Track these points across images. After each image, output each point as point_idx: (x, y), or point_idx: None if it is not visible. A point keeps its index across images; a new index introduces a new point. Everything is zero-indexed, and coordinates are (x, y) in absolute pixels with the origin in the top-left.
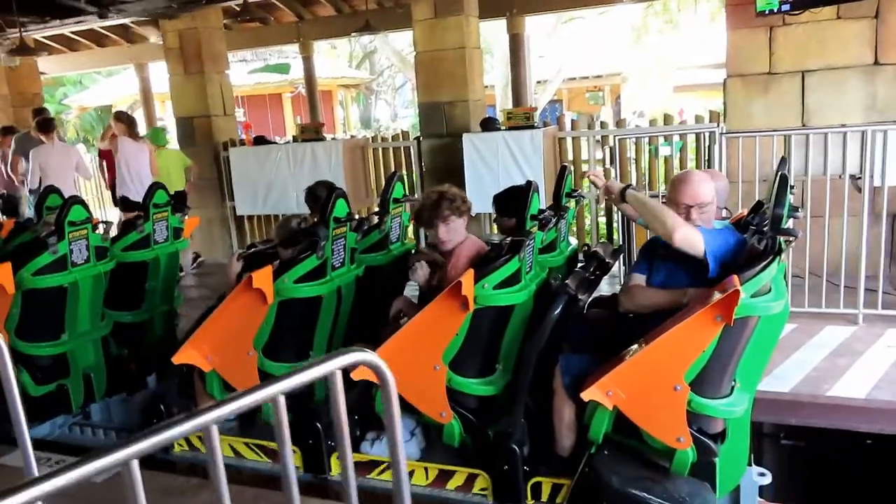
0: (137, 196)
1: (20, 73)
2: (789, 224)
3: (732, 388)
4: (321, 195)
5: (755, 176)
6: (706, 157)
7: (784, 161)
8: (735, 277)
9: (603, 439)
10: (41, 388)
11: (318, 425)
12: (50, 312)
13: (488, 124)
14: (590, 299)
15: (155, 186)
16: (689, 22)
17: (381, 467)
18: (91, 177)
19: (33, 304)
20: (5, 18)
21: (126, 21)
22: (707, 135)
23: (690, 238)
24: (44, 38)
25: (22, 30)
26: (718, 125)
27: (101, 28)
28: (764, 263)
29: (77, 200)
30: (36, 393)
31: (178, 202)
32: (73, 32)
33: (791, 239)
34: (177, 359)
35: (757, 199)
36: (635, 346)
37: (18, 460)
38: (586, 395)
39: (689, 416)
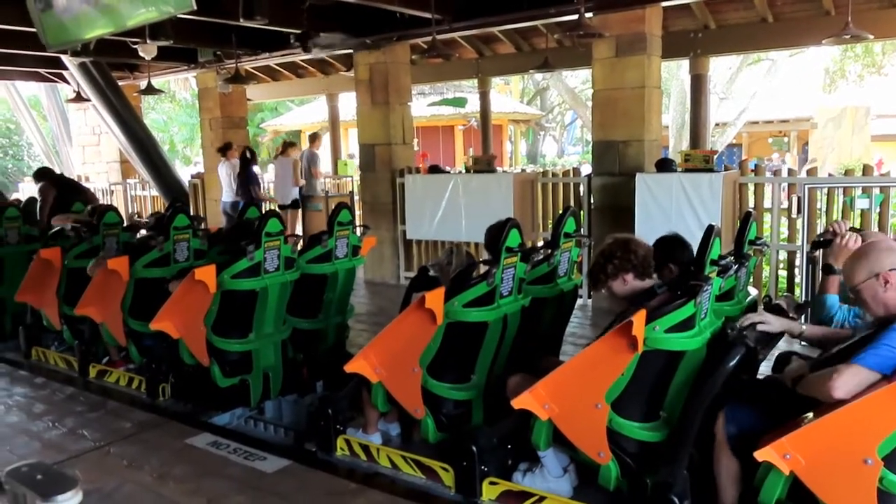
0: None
1: (231, 98)
2: None
3: None
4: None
5: None
6: None
7: None
8: None
9: None
10: (227, 380)
11: (474, 448)
12: (241, 313)
13: (664, 165)
14: (769, 355)
15: (340, 206)
16: (894, 66)
17: (533, 499)
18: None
19: (229, 303)
20: (225, 50)
21: (323, 55)
22: None
23: (852, 383)
24: (253, 68)
25: (238, 61)
26: None
27: (301, 60)
28: None
29: (274, 214)
30: (223, 384)
31: None
32: (276, 64)
33: None
34: (349, 367)
35: None
36: (811, 414)
37: (204, 442)
38: (761, 455)
39: (880, 495)
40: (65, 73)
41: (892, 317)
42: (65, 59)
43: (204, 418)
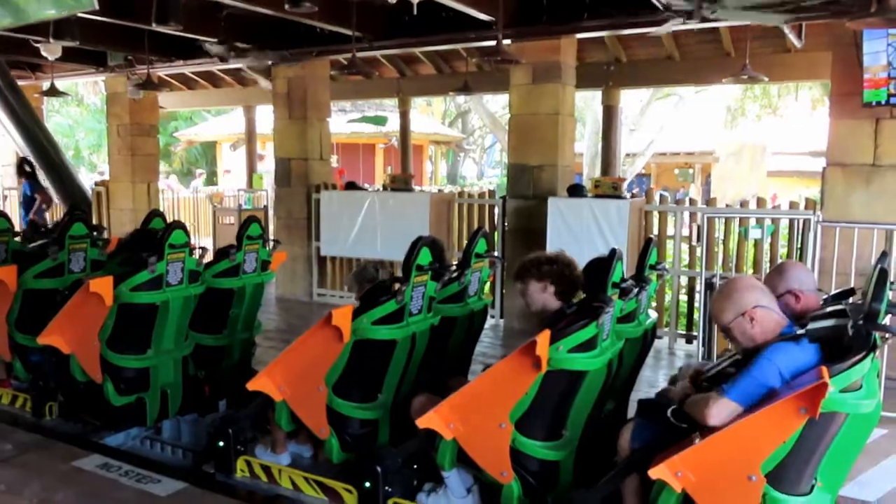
0: None
1: (142, 105)
2: (886, 321)
3: (813, 486)
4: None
5: (851, 268)
6: (799, 245)
7: (885, 255)
8: (824, 369)
9: None
10: (122, 398)
11: (378, 469)
12: (140, 327)
13: (575, 191)
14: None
15: (250, 220)
16: (788, 108)
17: None
18: None
19: (127, 317)
20: (137, 56)
21: (240, 65)
22: (801, 222)
23: (724, 414)
24: (167, 75)
25: (150, 67)
26: (815, 213)
27: (218, 70)
28: (857, 358)
29: (179, 225)
30: (117, 402)
31: None
32: (192, 72)
33: (888, 336)
34: (251, 385)
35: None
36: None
37: (93, 464)
38: (654, 473)
39: None
40: None
41: (759, 347)
42: None
43: (94, 439)
